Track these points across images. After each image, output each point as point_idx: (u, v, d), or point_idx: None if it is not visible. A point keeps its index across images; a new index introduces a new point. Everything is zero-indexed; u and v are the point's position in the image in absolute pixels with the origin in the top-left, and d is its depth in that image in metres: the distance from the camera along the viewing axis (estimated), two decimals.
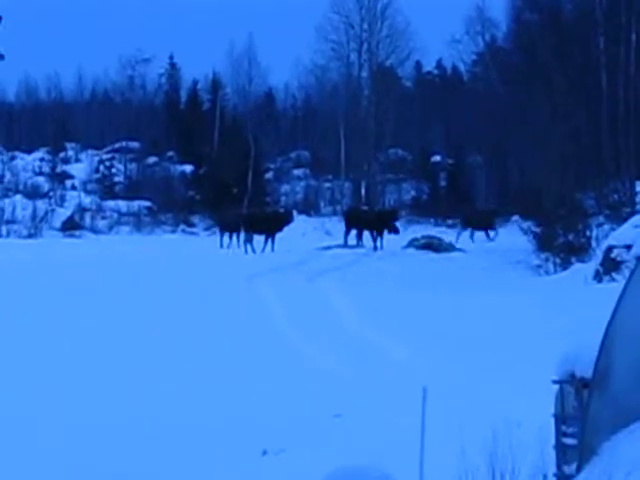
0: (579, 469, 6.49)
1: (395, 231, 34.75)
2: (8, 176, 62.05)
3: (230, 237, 38.71)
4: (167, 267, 27.81)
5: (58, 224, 55.25)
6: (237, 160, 58.07)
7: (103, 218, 57.79)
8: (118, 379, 13.62)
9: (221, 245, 38.81)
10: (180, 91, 68.18)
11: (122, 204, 58.78)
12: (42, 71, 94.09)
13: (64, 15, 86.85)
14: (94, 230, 55.66)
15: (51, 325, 17.88)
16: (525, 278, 24.84)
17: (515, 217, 38.22)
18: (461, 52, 59.65)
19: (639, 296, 6.58)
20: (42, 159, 64.12)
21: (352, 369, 13.99)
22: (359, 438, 10.23)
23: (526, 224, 29.47)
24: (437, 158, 62.56)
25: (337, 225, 45.31)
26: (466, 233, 39.53)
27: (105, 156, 63.57)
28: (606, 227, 27.23)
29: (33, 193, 59.36)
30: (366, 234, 34.91)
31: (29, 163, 63.86)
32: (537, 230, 27.87)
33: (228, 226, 39.67)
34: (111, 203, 59.13)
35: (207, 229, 54.78)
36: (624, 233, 22.13)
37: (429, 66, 68.63)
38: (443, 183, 61.06)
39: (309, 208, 59.28)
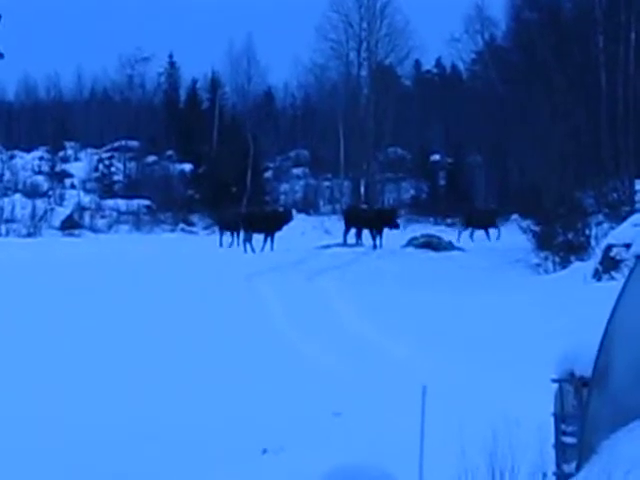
0: (578, 468, 6.50)
1: (395, 226, 34.98)
2: (7, 175, 62.07)
3: (231, 236, 38.70)
4: (166, 266, 27.80)
5: (57, 223, 55.25)
6: (236, 159, 58.07)
7: (102, 217, 57.79)
8: (117, 378, 13.61)
9: (221, 244, 38.80)
10: (179, 90, 68.22)
11: (121, 203, 58.78)
12: (41, 70, 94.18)
13: (63, 14, 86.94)
14: (93, 229, 55.68)
15: (50, 324, 17.87)
16: (524, 277, 24.84)
17: (514, 216, 38.27)
18: (460, 51, 59.72)
19: (638, 295, 6.58)
20: (41, 158, 64.14)
21: (351, 368, 13.98)
22: (359, 437, 10.23)
23: (525, 223, 29.50)
24: (436, 157, 62.57)
25: (336, 224, 45.30)
26: (466, 232, 39.61)
27: (104, 155, 63.58)
28: (605, 226, 27.25)
29: (32, 192, 59.35)
30: (365, 233, 34.92)
31: (28, 162, 63.87)
32: (536, 229, 27.88)
33: (228, 225, 39.67)
34: (110, 202, 59.13)
35: (206, 228, 54.78)
36: (623, 232, 22.14)
37: (428, 65, 68.73)
38: (442, 182, 61.06)
39: (308, 207, 59.28)
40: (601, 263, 21.93)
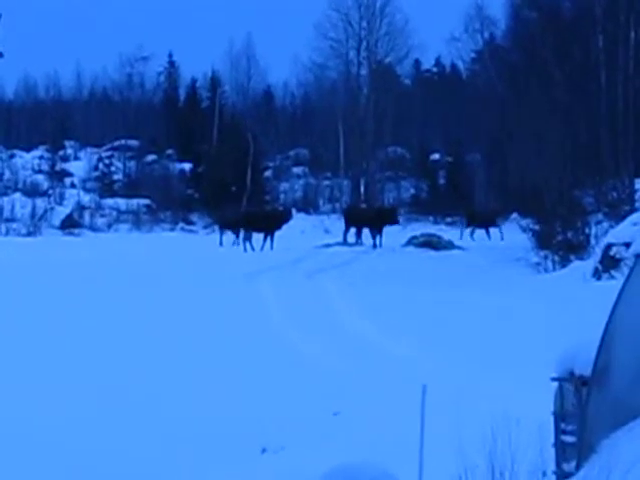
0: (578, 467, 6.50)
1: (396, 222, 35.26)
2: (7, 174, 62.08)
3: (233, 234, 38.69)
4: (166, 265, 27.80)
5: (57, 222, 55.28)
6: (236, 158, 58.06)
7: (102, 216, 57.81)
8: (117, 376, 13.61)
9: (221, 243, 38.79)
10: (179, 89, 68.25)
11: (121, 202, 58.80)
12: (41, 69, 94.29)
13: (63, 13, 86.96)
14: (93, 228, 55.70)
15: (50, 323, 17.87)
16: (524, 276, 24.83)
17: (514, 215, 38.28)
18: (460, 50, 59.77)
19: (638, 294, 6.58)
20: (41, 157, 64.15)
21: (351, 366, 13.97)
22: (358, 436, 10.22)
23: (525, 222, 29.49)
24: (436, 156, 62.58)
25: (336, 223, 45.32)
26: (468, 231, 39.73)
27: (104, 154, 63.59)
28: (605, 225, 27.25)
29: (32, 191, 59.38)
30: (365, 232, 34.94)
31: (28, 161, 63.88)
32: (536, 228, 27.87)
33: (227, 224, 39.67)
34: (110, 201, 59.14)
35: (206, 227, 54.79)
36: (623, 231, 22.15)
37: (428, 64, 68.78)
38: (442, 181, 61.09)
39: (308, 206, 59.29)
40: (601, 262, 21.94)
